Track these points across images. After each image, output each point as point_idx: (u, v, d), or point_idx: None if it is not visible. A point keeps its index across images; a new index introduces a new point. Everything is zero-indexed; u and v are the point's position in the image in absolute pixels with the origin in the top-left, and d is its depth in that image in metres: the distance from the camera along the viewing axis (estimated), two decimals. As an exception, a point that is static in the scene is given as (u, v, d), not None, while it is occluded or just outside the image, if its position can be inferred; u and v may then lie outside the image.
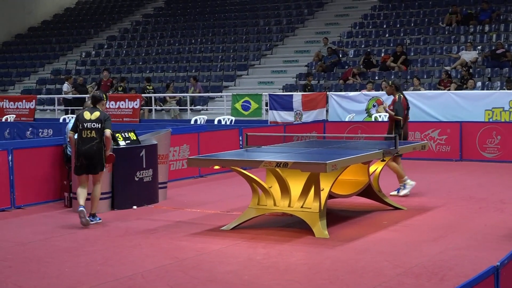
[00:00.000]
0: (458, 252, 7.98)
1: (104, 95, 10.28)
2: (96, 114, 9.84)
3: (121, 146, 11.09)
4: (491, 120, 17.72)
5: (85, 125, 9.77)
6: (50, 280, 7.11)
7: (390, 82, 12.39)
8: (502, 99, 17.98)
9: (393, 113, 11.82)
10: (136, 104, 23.77)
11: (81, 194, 9.77)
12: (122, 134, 11.33)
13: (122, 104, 23.90)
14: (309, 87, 22.75)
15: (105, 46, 33.45)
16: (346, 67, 25.17)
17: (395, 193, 11.61)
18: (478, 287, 3.56)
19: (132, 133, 11.51)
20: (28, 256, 8.12)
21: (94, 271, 7.36)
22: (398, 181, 11.73)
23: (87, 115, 9.84)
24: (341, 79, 24.24)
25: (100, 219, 9.90)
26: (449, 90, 20.06)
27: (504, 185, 13.15)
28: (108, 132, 9.77)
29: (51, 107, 27.74)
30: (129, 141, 11.31)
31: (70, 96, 25.71)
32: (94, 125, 9.75)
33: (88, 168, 9.79)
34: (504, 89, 19.88)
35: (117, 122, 22.29)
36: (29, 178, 11.34)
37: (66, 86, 26.44)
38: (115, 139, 11.10)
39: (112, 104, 23.97)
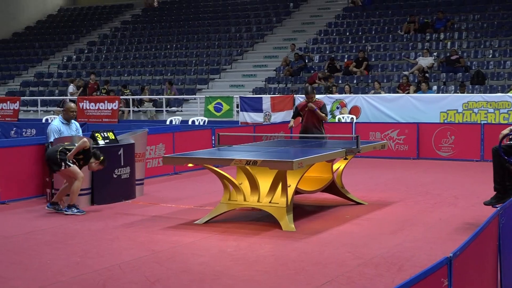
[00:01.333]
0: (415, 244, 8.03)
1: None
2: None
3: (100, 145, 11.02)
4: (445, 121, 17.87)
5: None
6: (32, 271, 7.03)
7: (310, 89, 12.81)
8: (456, 102, 18.14)
9: (324, 116, 12.35)
10: (115, 106, 23.62)
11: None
12: (102, 133, 11.26)
13: (102, 106, 23.74)
14: (330, 89, 22.07)
15: (86, 51, 33.19)
16: (312, 71, 25.22)
17: None
18: (432, 276, 3.58)
19: (111, 133, 11.44)
20: (11, 249, 8.03)
21: (74, 263, 7.29)
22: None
23: None
24: (307, 82, 24.26)
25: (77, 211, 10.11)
26: (407, 93, 20.19)
27: (457, 182, 13.26)
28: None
29: (34, 108, 27.45)
30: (108, 141, 11.24)
31: (75, 97, 25.25)
32: None
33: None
34: (458, 93, 20.07)
35: (96, 123, 22.17)
36: (13, 175, 11.21)
37: (71, 88, 26.00)
38: (94, 139, 11.03)
39: (92, 106, 23.82)
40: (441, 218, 9.63)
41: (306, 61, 26.09)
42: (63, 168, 10.00)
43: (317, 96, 20.04)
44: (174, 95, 25.28)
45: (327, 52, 26.58)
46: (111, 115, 23.51)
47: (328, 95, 20.42)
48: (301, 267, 7.04)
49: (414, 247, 7.83)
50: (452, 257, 3.80)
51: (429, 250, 7.68)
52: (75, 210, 10.06)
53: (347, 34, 27.60)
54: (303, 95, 20.91)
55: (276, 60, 27.45)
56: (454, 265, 3.80)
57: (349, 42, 26.89)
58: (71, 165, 10.02)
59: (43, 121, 22.63)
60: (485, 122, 17.31)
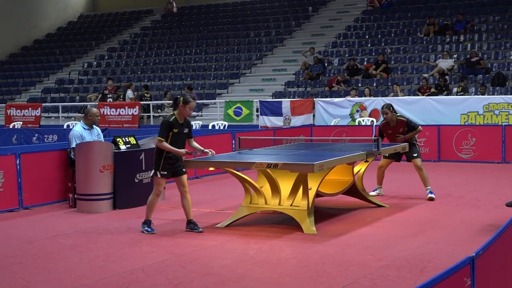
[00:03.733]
0: (437, 245, 8.01)
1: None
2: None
3: (122, 150, 11.11)
4: (466, 123, 17.79)
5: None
6: (56, 275, 7.10)
7: (390, 107, 11.61)
8: (476, 104, 18.07)
9: (416, 132, 11.51)
10: (135, 111, 23.75)
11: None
12: (123, 139, 11.35)
13: (122, 111, 23.89)
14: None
15: (106, 57, 33.40)
16: (332, 75, 25.21)
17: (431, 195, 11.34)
18: (455, 276, 3.59)
19: (132, 138, 11.53)
20: (35, 253, 8.11)
21: (97, 267, 7.35)
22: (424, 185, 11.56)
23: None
24: (326, 86, 24.28)
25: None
26: (428, 95, 20.11)
27: (479, 184, 13.21)
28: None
29: (56, 115, 27.68)
30: (129, 145, 11.34)
31: (149, 102, 25.22)
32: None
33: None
34: (478, 94, 19.96)
35: (117, 128, 22.32)
36: (36, 181, 11.32)
37: (130, 93, 26.04)
38: (116, 144, 11.12)
39: (113, 111, 23.98)
40: (463, 220, 9.59)
41: (326, 64, 26.08)
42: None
43: (335, 100, 20.28)
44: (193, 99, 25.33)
45: (347, 55, 26.55)
46: (131, 121, 23.65)
47: (348, 98, 20.41)
48: (323, 269, 7.05)
49: (436, 249, 7.81)
50: (475, 256, 3.81)
51: (451, 251, 7.66)
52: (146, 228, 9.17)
53: (366, 37, 27.56)
54: (323, 99, 21.04)
55: (296, 64, 27.47)
56: (477, 264, 3.81)
57: (369, 45, 26.85)
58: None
59: (65, 127, 22.82)
60: (506, 123, 17.21)
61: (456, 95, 20.04)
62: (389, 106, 11.54)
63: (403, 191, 12.18)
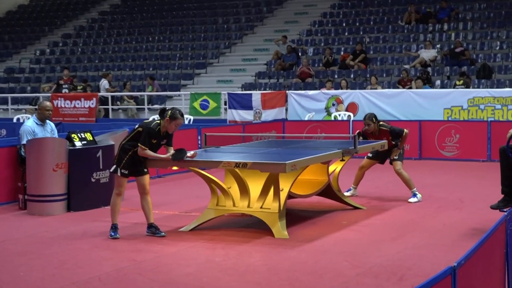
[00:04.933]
0: (417, 251, 8.08)
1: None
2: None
3: (77, 147, 11.03)
4: (450, 118, 17.97)
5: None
6: (3, 286, 7.03)
7: (372, 118, 11.56)
8: (460, 97, 18.25)
9: (402, 140, 11.53)
10: (92, 103, 23.61)
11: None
12: (78, 134, 11.27)
13: (78, 104, 23.72)
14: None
15: (60, 44, 33.13)
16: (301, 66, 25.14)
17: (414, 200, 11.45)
18: (436, 287, 3.62)
19: (88, 134, 11.45)
20: (-19, 260, 8.03)
21: (50, 275, 7.30)
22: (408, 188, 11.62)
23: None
24: (298, 77, 24.21)
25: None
26: (409, 88, 20.26)
27: (463, 184, 13.35)
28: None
29: (4, 107, 27.37)
30: (85, 142, 11.26)
31: (109, 94, 24.98)
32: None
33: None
34: (459, 84, 20.09)
35: (72, 122, 22.17)
36: (-18, 180, 11.21)
37: (106, 83, 25.66)
38: (71, 140, 11.04)
39: (67, 103, 23.80)
40: (445, 223, 9.69)
41: (300, 54, 26.13)
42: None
43: (310, 93, 20.31)
44: (156, 91, 25.28)
45: (322, 44, 26.63)
46: (88, 114, 23.52)
47: (323, 91, 20.49)
48: (295, 277, 7.07)
49: (416, 255, 7.88)
50: (457, 266, 3.85)
51: (432, 258, 7.74)
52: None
53: (344, 25, 27.67)
54: (297, 91, 21.10)
55: (267, 53, 27.49)
56: (458, 274, 3.85)
57: (346, 34, 26.96)
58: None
59: (14, 120, 22.57)
60: (492, 119, 17.42)
61: (454, 87, 20.05)
62: (371, 117, 11.55)
63: (382, 192, 12.26)
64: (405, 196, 11.54)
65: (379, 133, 11.48)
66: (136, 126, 8.99)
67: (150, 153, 8.81)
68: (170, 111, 8.88)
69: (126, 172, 8.86)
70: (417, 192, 11.45)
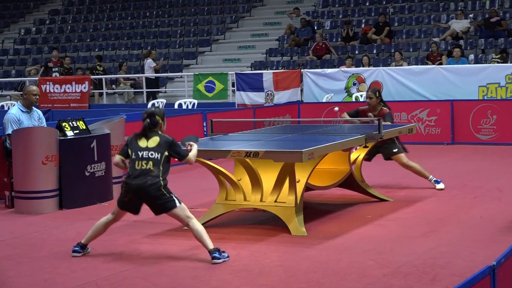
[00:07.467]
0: (451, 248, 8.07)
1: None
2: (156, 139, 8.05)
3: (69, 137, 11.05)
4: (485, 97, 17.89)
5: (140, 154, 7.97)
6: (-9, 292, 7.09)
7: (376, 92, 11.56)
8: (497, 73, 18.15)
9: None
10: (85, 88, 23.62)
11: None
12: (70, 123, 11.27)
13: (69, 88, 23.73)
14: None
15: (47, 22, 33.18)
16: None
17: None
18: (473, 289, 3.62)
19: (81, 122, 11.45)
20: (-35, 265, 8.08)
21: (41, 281, 7.33)
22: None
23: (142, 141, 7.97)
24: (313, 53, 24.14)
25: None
26: (439, 64, 20.19)
27: (501, 171, 13.30)
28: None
29: (-13, 93, 27.53)
30: (77, 131, 11.26)
31: (153, 75, 24.85)
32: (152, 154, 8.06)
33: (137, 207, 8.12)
34: (499, 62, 20.00)
35: (63, 109, 22.21)
36: (-36, 176, 11.26)
37: (151, 62, 25.11)
38: (61, 129, 11.04)
39: (57, 88, 23.83)
40: (482, 215, 9.67)
41: (315, 28, 26.07)
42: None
43: (328, 71, 20.25)
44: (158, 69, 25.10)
45: (340, 16, 26.56)
46: (80, 99, 23.52)
47: (342, 69, 20.44)
48: (315, 279, 7.08)
49: (450, 252, 7.87)
50: (496, 265, 3.84)
51: (468, 255, 7.73)
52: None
53: (364, -6, 27.61)
54: (313, 70, 21.06)
55: (279, 28, 27.46)
56: (498, 274, 3.84)
57: (367, 4, 26.88)
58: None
59: (-2, 108, 22.68)
60: (534, 97, 17.36)
61: (491, 62, 19.95)
62: (375, 91, 11.51)
63: (410, 182, 12.23)
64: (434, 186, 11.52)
65: (378, 113, 11.37)
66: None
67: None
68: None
69: None
70: (435, 178, 11.43)
